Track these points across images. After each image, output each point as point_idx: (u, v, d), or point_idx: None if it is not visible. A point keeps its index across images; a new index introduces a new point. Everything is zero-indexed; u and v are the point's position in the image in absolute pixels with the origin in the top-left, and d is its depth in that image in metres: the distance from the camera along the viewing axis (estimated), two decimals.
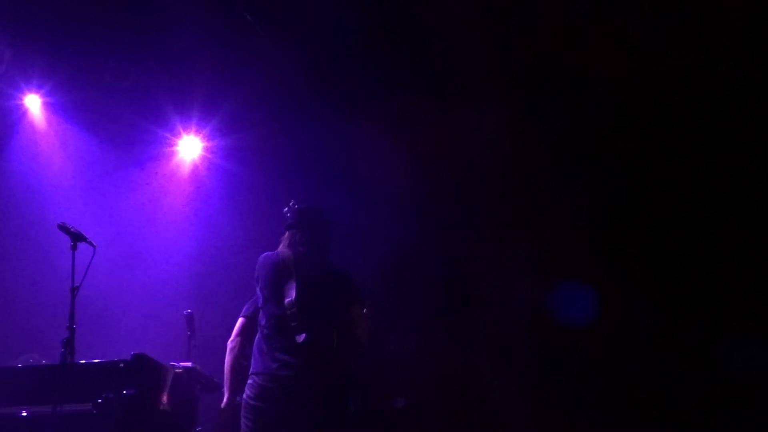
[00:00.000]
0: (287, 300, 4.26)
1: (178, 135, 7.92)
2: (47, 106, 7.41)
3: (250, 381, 4.30)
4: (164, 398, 5.22)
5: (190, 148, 8.06)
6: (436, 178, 7.64)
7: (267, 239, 4.60)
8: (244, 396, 4.30)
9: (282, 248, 4.50)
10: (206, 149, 8.09)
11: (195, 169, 8.17)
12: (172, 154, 8.09)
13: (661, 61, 6.39)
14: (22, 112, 7.40)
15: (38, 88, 7.22)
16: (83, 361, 5.10)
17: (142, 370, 5.15)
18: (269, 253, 4.51)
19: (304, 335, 4.20)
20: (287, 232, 4.55)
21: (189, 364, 5.50)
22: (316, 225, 4.52)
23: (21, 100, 7.32)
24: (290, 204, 4.64)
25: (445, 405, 7.17)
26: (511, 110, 7.10)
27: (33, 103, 7.36)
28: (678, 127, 6.54)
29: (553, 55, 6.70)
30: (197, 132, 7.90)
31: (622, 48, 6.38)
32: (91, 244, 4.74)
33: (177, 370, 5.45)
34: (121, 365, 5.12)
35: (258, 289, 4.46)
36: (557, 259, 6.95)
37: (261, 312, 4.43)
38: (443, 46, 6.88)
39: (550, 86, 6.89)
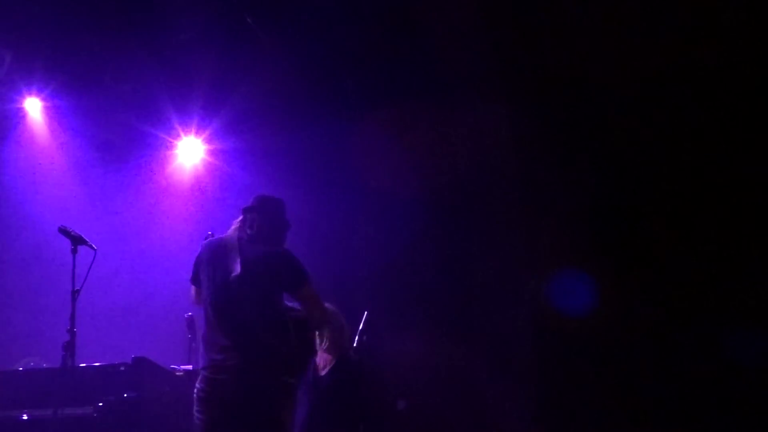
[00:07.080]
0: (233, 275, 4.23)
1: (178, 138, 7.92)
2: (47, 109, 7.40)
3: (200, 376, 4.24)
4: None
5: (190, 150, 8.07)
6: (436, 179, 7.64)
7: None
8: (195, 390, 4.22)
9: (229, 232, 4.47)
10: (207, 152, 8.10)
11: (195, 171, 8.18)
12: (173, 156, 8.10)
13: (661, 61, 6.39)
14: (22, 116, 7.40)
15: (39, 92, 7.22)
16: (84, 365, 5.11)
17: (143, 374, 5.16)
18: (212, 239, 4.49)
19: (245, 310, 4.18)
20: (242, 215, 4.50)
21: (190, 367, 5.50)
22: (272, 215, 4.47)
23: (21, 103, 7.31)
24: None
25: (445, 406, 7.17)
26: (511, 111, 7.11)
27: (33, 107, 7.36)
28: (678, 126, 6.53)
29: (553, 56, 6.71)
30: (198, 134, 7.91)
31: (622, 48, 6.38)
32: (91, 247, 4.73)
33: (178, 374, 5.45)
34: (122, 368, 5.15)
35: (199, 272, 4.40)
36: (558, 259, 6.95)
37: (203, 295, 4.36)
38: (443, 47, 6.89)
39: (549, 87, 6.90)
